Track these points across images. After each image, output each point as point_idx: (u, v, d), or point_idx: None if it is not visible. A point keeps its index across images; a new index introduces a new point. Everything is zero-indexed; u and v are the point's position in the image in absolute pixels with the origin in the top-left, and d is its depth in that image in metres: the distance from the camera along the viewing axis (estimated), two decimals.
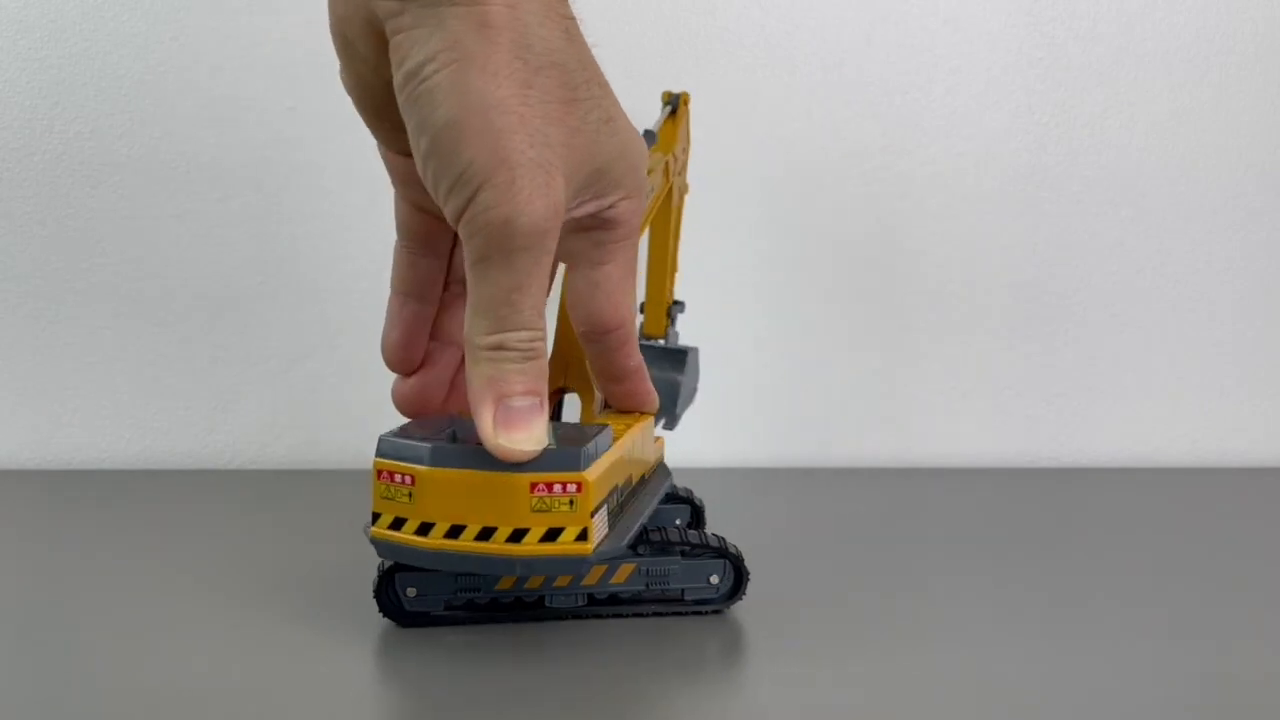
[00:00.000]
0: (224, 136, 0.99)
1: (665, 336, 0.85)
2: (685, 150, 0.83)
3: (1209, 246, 1.07)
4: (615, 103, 0.53)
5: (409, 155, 0.53)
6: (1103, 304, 1.07)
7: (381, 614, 0.62)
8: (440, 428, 0.58)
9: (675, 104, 0.81)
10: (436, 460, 0.54)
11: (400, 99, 0.50)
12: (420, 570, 0.61)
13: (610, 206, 0.55)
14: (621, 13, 1.01)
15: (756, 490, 0.97)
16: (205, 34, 0.98)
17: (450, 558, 0.55)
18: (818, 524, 0.87)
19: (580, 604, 0.64)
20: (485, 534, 0.54)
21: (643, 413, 0.66)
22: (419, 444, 0.54)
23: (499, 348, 0.52)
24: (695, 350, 0.83)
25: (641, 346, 0.71)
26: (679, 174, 0.81)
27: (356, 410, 1.01)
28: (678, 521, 0.77)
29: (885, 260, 1.05)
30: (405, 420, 0.62)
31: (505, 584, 0.62)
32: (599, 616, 0.65)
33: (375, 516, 0.56)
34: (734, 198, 1.03)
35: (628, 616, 0.65)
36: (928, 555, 0.79)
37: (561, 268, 0.60)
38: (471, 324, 0.52)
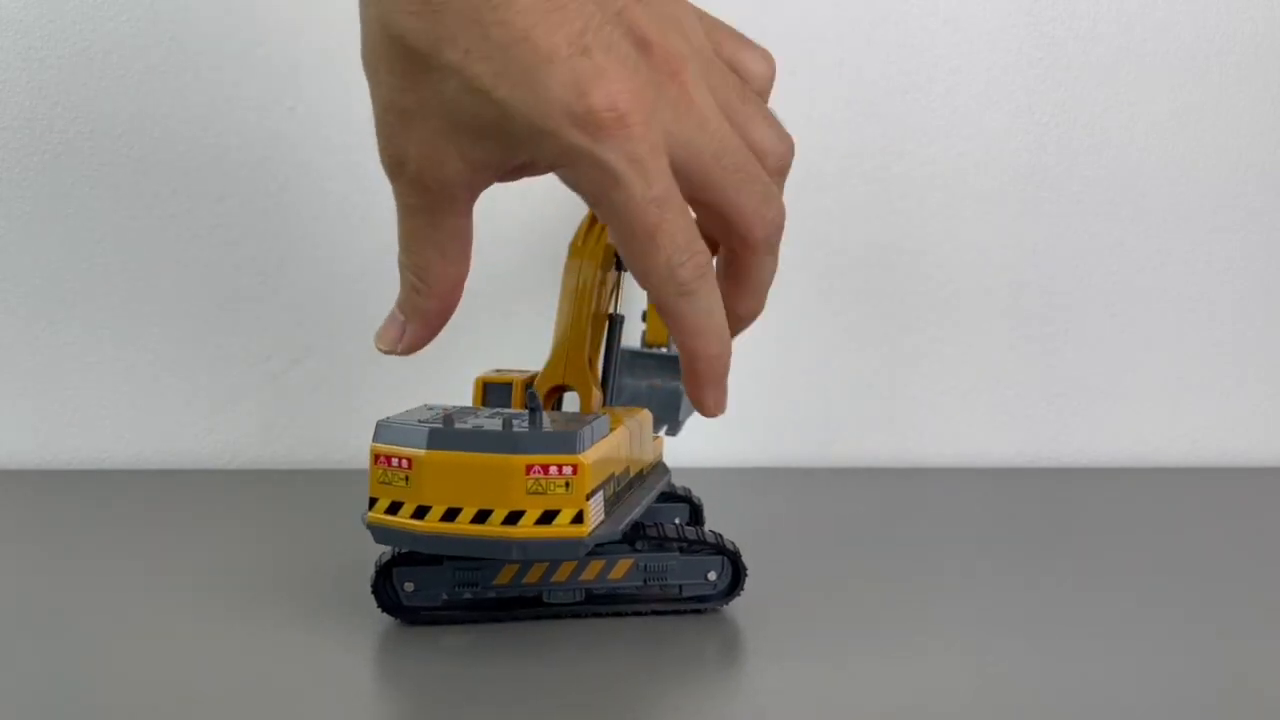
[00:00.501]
0: (224, 136, 0.99)
1: (668, 344, 0.84)
2: None
3: (1209, 246, 1.07)
4: (493, 70, 0.50)
5: None
6: (1103, 304, 1.07)
7: (380, 609, 0.62)
8: (436, 413, 0.59)
9: None
10: (433, 443, 0.55)
11: None
12: (418, 564, 0.62)
13: (529, 165, 0.54)
14: None
15: (756, 490, 0.97)
16: (205, 34, 0.98)
17: (446, 541, 0.55)
18: (817, 523, 0.87)
19: (578, 601, 0.64)
20: (481, 516, 0.55)
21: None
22: (416, 427, 0.55)
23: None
24: None
25: (643, 354, 0.77)
26: None
27: (356, 410, 1.01)
28: (676, 519, 0.77)
29: (885, 260, 1.05)
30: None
31: (504, 579, 0.62)
32: (597, 614, 0.65)
33: (372, 502, 0.56)
34: None
35: (626, 614, 0.65)
36: (928, 555, 0.79)
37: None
38: None
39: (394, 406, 1.01)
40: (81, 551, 0.77)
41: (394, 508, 0.56)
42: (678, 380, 0.78)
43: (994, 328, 1.06)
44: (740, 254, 0.58)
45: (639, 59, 0.50)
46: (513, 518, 0.55)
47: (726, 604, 0.66)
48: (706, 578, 0.65)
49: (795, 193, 1.03)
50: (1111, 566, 0.76)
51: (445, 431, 0.55)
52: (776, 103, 1.02)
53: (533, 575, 0.63)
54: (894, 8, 1.03)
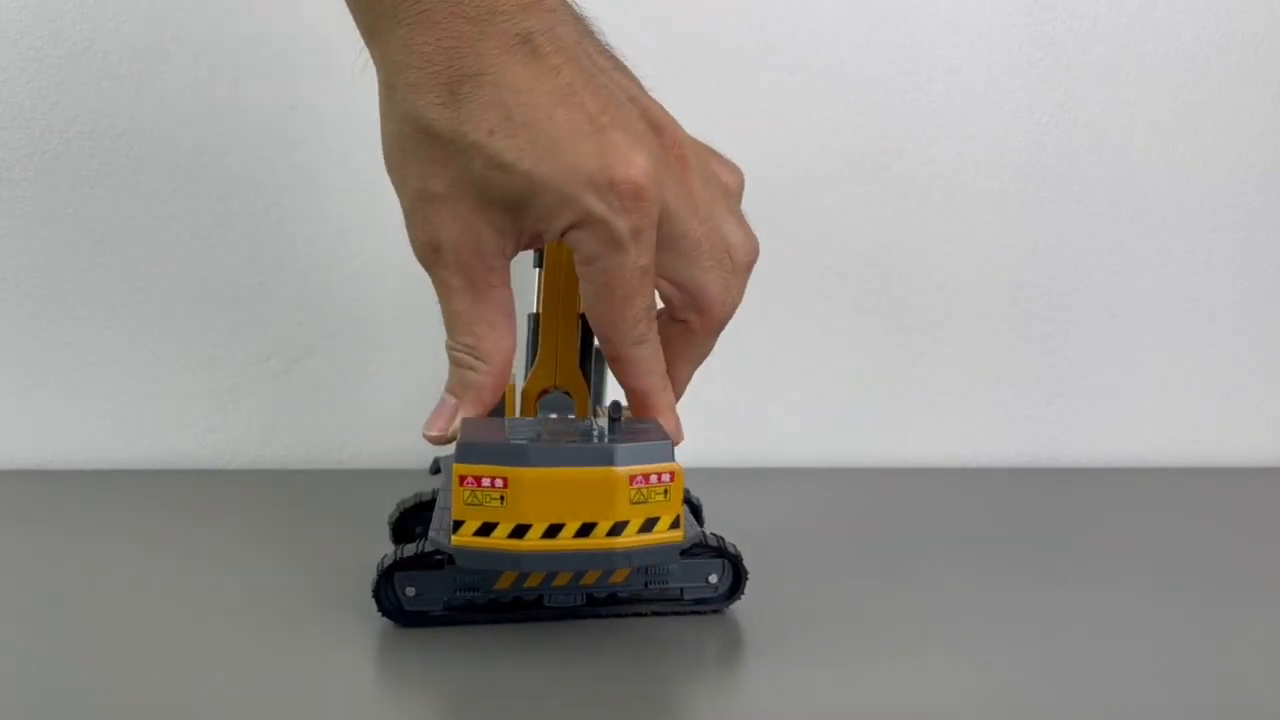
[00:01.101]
0: (224, 136, 0.99)
1: None
2: None
3: (1209, 246, 1.07)
4: (517, 146, 0.55)
5: None
6: (1103, 304, 1.07)
7: (381, 614, 0.62)
8: (499, 428, 0.58)
9: None
10: (533, 460, 0.54)
11: None
12: (420, 569, 0.62)
13: (557, 234, 0.57)
14: (621, 13, 1.00)
15: (756, 490, 0.97)
16: (205, 34, 0.98)
17: (548, 558, 0.55)
18: (817, 524, 0.87)
19: (579, 604, 0.64)
20: (584, 530, 0.55)
21: None
22: (510, 446, 0.54)
23: (449, 348, 0.61)
24: None
25: None
26: None
27: (356, 410, 1.01)
28: None
29: (885, 260, 1.05)
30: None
31: (504, 583, 0.62)
32: (597, 616, 0.65)
33: (457, 525, 0.55)
34: None
35: (625, 616, 0.65)
36: (928, 555, 0.79)
37: None
38: None
39: (394, 407, 1.01)
40: (82, 551, 0.77)
41: (485, 529, 0.55)
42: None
43: (994, 328, 1.06)
44: (694, 328, 0.64)
45: (653, 139, 0.58)
46: (617, 529, 0.55)
47: (727, 606, 0.66)
48: (708, 580, 0.65)
49: (795, 193, 1.03)
50: (1111, 566, 0.76)
51: (543, 449, 0.55)
52: (777, 103, 1.03)
53: (534, 579, 0.63)
54: (894, 8, 1.03)
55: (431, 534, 0.61)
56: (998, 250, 1.05)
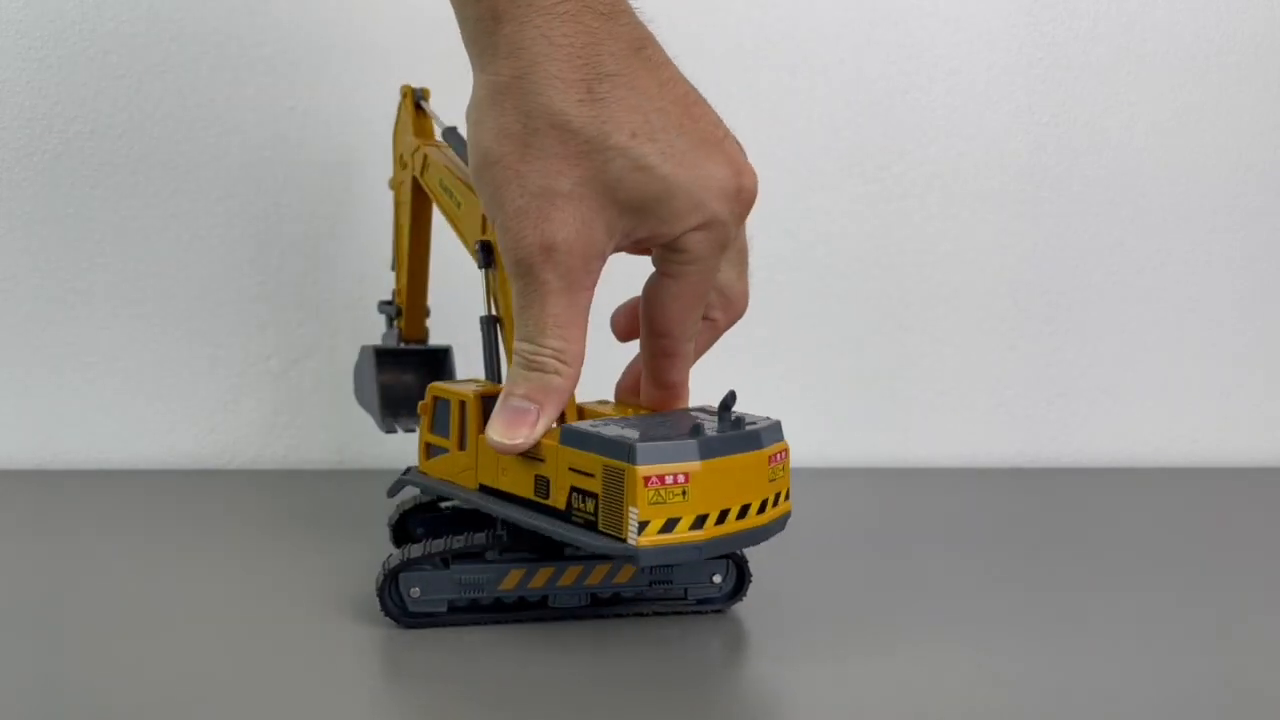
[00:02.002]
0: (224, 136, 0.99)
1: (425, 339, 0.87)
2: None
3: (1209, 246, 1.07)
4: (659, 150, 0.57)
5: None
6: (1103, 304, 1.07)
7: (384, 614, 0.62)
8: (631, 425, 0.59)
9: (418, 99, 0.82)
10: (706, 453, 0.56)
11: None
12: (424, 570, 0.62)
13: (677, 235, 0.59)
14: None
15: None
16: (205, 34, 0.98)
17: (720, 543, 0.57)
18: (818, 524, 0.87)
19: (583, 604, 0.64)
20: (743, 512, 0.57)
21: None
22: (683, 443, 0.56)
23: (515, 352, 0.60)
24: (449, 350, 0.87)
25: (398, 351, 0.86)
26: (422, 171, 0.78)
27: (356, 410, 1.01)
28: None
29: (885, 260, 1.05)
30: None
31: (509, 583, 0.62)
32: (600, 617, 0.65)
33: (642, 526, 0.55)
34: None
35: (627, 616, 0.65)
36: (928, 555, 0.79)
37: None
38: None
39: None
40: (81, 551, 0.77)
41: (669, 525, 0.55)
42: (440, 375, 0.85)
43: (994, 328, 1.06)
44: (720, 326, 0.67)
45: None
46: (764, 506, 0.58)
47: (729, 606, 0.66)
48: (712, 580, 0.65)
49: (796, 192, 1.03)
50: (1111, 566, 0.77)
51: (712, 439, 0.56)
52: (777, 103, 1.03)
53: (538, 580, 0.63)
54: (894, 8, 1.03)
55: None
56: (998, 250, 1.05)
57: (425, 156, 0.77)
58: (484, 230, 0.67)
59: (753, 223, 1.02)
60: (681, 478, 0.55)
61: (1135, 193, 1.06)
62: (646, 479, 0.54)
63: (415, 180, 0.80)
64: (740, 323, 1.05)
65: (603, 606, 0.65)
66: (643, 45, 0.58)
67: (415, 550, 0.62)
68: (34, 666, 0.58)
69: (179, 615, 0.65)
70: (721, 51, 1.02)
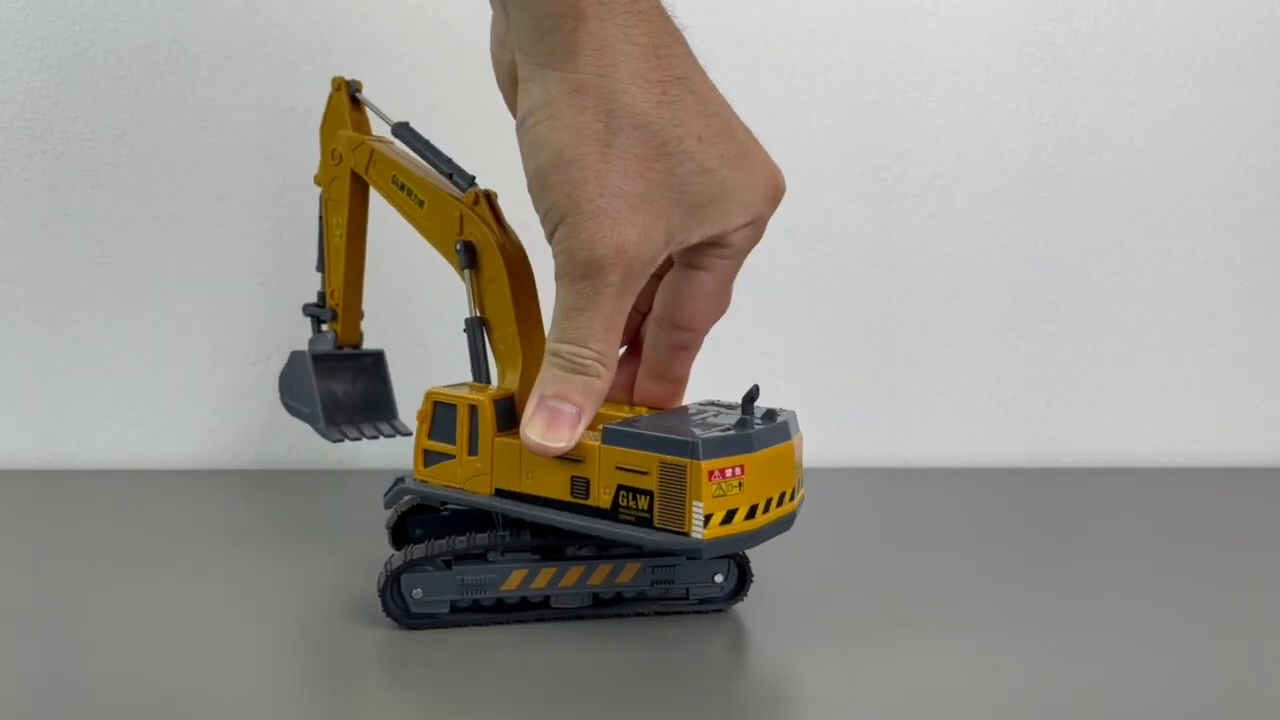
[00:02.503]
0: (224, 136, 0.99)
1: (359, 344, 0.85)
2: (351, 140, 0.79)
3: (1209, 246, 1.07)
4: (719, 154, 0.59)
5: None
6: (1103, 304, 1.07)
7: (386, 615, 0.62)
8: (668, 421, 0.61)
9: (354, 92, 0.80)
10: (759, 445, 0.59)
11: (517, 138, 0.59)
12: (427, 571, 0.62)
13: (726, 233, 0.61)
14: None
15: None
16: (205, 34, 0.98)
17: (767, 530, 0.60)
18: (818, 524, 0.87)
19: (585, 604, 0.64)
20: (781, 500, 0.60)
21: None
22: (740, 436, 0.58)
23: (555, 354, 0.59)
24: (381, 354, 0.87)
25: (336, 356, 0.84)
26: (368, 167, 0.76)
27: None
28: None
29: (885, 260, 1.05)
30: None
31: (511, 584, 0.62)
32: (602, 617, 0.65)
33: (707, 519, 0.56)
34: None
35: (629, 616, 0.65)
36: (928, 555, 0.79)
37: None
38: (550, 331, 0.60)
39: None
40: (81, 551, 0.77)
41: (729, 517, 0.57)
42: (376, 380, 0.87)
43: (994, 328, 1.06)
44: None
45: None
46: (792, 494, 0.61)
47: (731, 606, 0.66)
48: (713, 580, 0.65)
49: (795, 192, 1.03)
50: (1111, 566, 0.77)
51: (761, 432, 0.59)
52: (776, 103, 1.03)
53: (541, 580, 0.63)
54: (894, 8, 1.03)
55: None
56: (998, 250, 1.05)
57: (372, 151, 0.76)
58: (461, 230, 0.67)
59: None
60: (740, 470, 0.57)
61: (1135, 193, 1.06)
62: (710, 473, 0.56)
63: (355, 176, 0.78)
64: (740, 322, 1.05)
65: (605, 606, 0.65)
66: (690, 48, 0.60)
67: (418, 551, 0.62)
68: (34, 666, 0.58)
69: (179, 615, 0.65)
70: (721, 51, 1.01)
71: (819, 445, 1.06)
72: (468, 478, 0.64)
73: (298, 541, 0.79)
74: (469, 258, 0.66)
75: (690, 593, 0.65)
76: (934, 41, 1.04)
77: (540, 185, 0.58)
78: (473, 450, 0.63)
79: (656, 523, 0.57)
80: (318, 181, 0.81)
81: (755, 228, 0.62)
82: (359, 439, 0.84)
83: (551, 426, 0.59)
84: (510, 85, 0.62)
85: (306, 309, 0.85)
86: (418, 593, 0.62)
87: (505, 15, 0.59)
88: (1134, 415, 1.08)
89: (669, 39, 0.58)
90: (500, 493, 0.63)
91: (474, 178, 0.69)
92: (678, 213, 0.58)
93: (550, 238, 0.59)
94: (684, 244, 0.60)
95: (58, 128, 0.97)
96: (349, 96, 0.80)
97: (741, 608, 0.67)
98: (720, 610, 0.66)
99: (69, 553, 0.77)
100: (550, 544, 0.63)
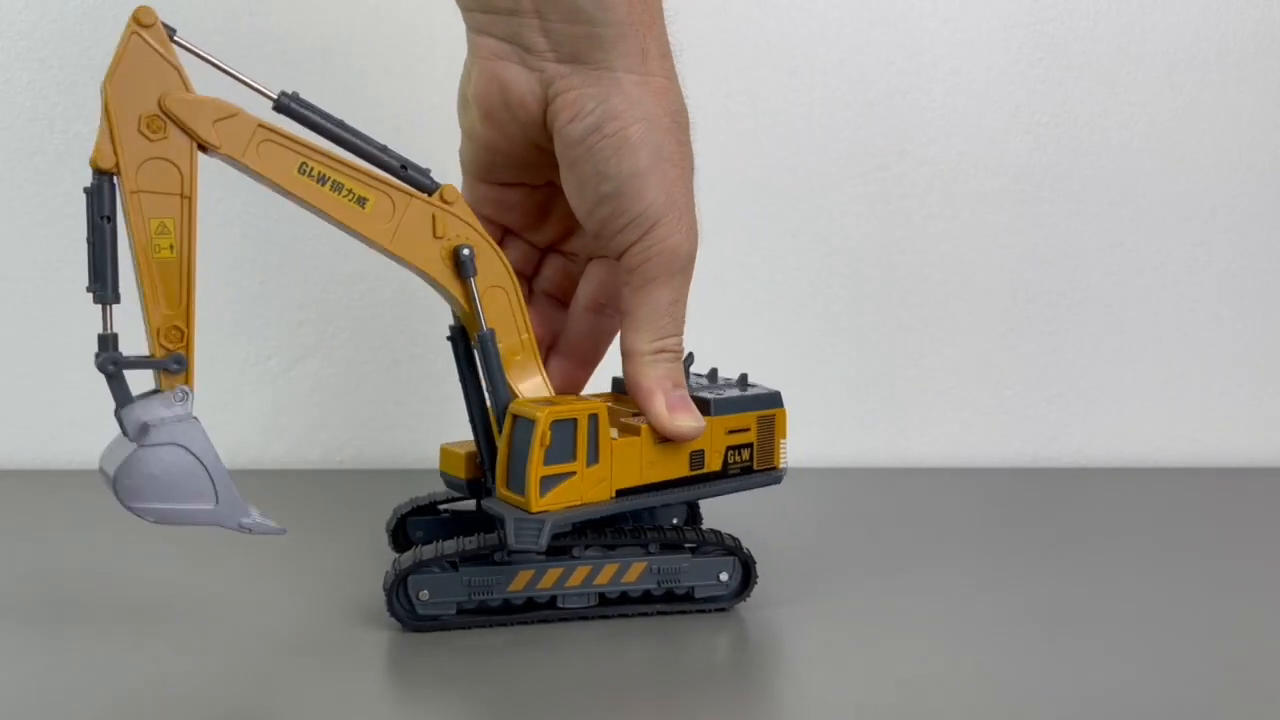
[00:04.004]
0: None
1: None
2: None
3: (1209, 246, 1.07)
4: None
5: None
6: (1103, 304, 1.07)
7: (391, 616, 0.62)
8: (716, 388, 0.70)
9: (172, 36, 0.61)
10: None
11: (576, 150, 0.61)
12: (433, 573, 0.62)
13: None
14: None
15: (757, 490, 0.97)
16: (205, 34, 0.97)
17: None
18: (818, 524, 0.87)
19: (591, 604, 0.64)
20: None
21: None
22: (773, 390, 0.70)
23: (661, 350, 0.63)
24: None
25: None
26: (242, 152, 0.62)
27: (356, 410, 1.01)
28: (674, 520, 0.77)
29: (885, 260, 1.05)
30: None
31: (518, 585, 0.62)
32: (606, 617, 0.65)
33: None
34: (734, 198, 1.03)
35: (632, 616, 0.65)
36: (928, 555, 0.79)
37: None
38: (636, 335, 0.63)
39: (394, 407, 1.01)
40: (81, 551, 0.77)
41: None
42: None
43: (994, 328, 1.06)
44: None
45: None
46: None
47: (734, 605, 0.66)
48: (719, 579, 0.65)
49: (795, 192, 1.03)
50: (1111, 566, 0.77)
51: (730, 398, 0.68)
52: (777, 103, 1.03)
53: (547, 580, 0.63)
54: (894, 8, 1.03)
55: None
56: (998, 250, 1.05)
57: (257, 129, 0.62)
58: (435, 233, 0.62)
59: (752, 222, 1.02)
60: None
61: (1135, 193, 1.06)
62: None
63: (199, 157, 0.60)
64: (740, 322, 1.05)
65: (610, 606, 0.65)
66: None
67: (427, 552, 0.62)
68: (34, 667, 0.58)
69: (180, 617, 0.65)
70: (722, 51, 1.02)
71: (819, 445, 1.07)
72: (590, 488, 0.62)
73: (298, 542, 0.79)
74: (472, 265, 0.62)
75: (695, 592, 0.65)
76: (934, 41, 1.04)
77: (636, 186, 0.60)
78: (593, 459, 0.62)
79: (756, 466, 0.68)
80: (100, 165, 0.59)
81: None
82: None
83: (690, 411, 0.64)
84: (502, 104, 0.63)
85: (113, 363, 0.63)
86: (424, 594, 0.62)
87: (530, 28, 0.60)
88: (1134, 415, 1.08)
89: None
90: (621, 493, 0.63)
91: (429, 170, 0.63)
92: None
93: (637, 242, 0.61)
94: None
95: (58, 128, 0.97)
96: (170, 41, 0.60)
97: (744, 608, 0.67)
98: (724, 609, 0.66)
99: (69, 553, 0.77)
100: (556, 544, 0.63)
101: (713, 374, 0.72)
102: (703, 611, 0.66)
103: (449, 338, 0.66)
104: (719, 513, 0.77)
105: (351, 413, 1.02)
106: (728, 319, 1.03)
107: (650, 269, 0.61)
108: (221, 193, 0.99)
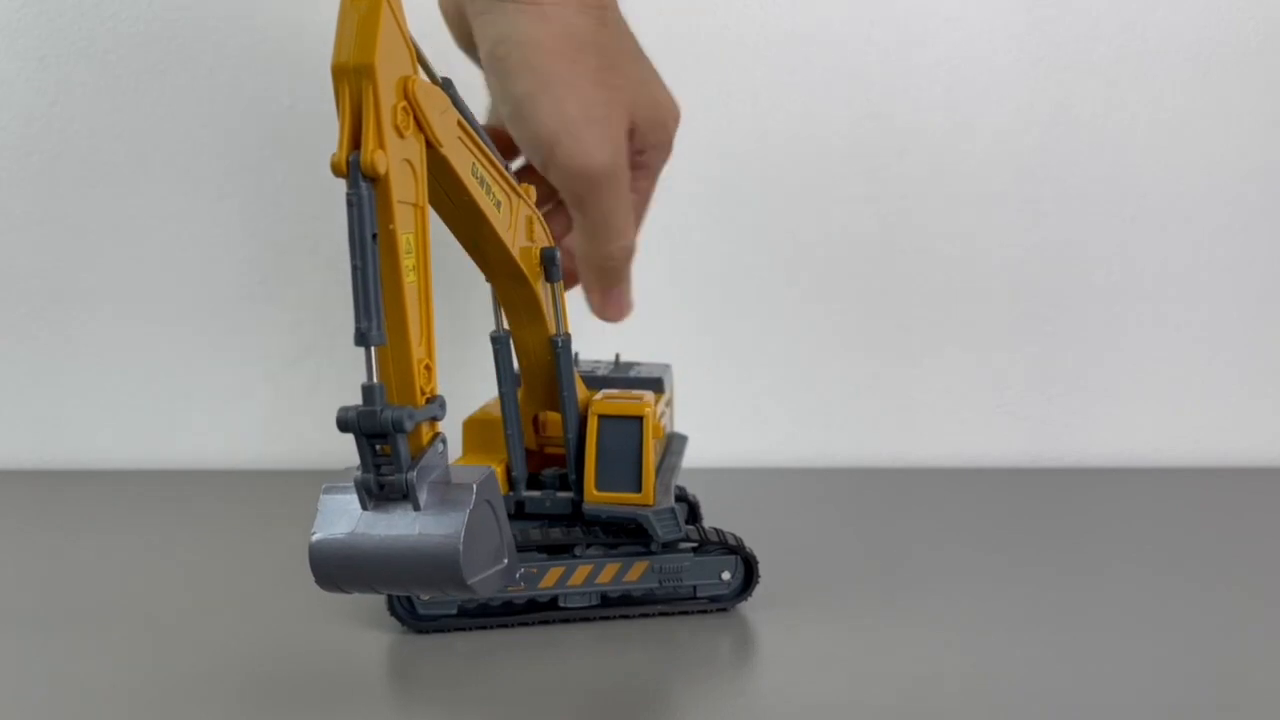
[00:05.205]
0: (224, 136, 0.99)
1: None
2: None
3: (1210, 246, 1.07)
4: (646, 67, 0.67)
5: None
6: (1103, 304, 1.07)
7: (392, 616, 0.62)
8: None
9: None
10: None
11: (485, 72, 0.63)
12: None
13: (640, 153, 0.66)
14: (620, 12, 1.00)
15: (758, 490, 0.97)
16: (205, 34, 0.98)
17: None
18: (819, 524, 0.87)
19: (593, 604, 0.64)
20: None
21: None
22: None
23: (609, 256, 0.66)
24: None
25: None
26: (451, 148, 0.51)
27: None
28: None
29: (886, 260, 1.05)
30: None
31: (519, 586, 0.62)
32: (607, 618, 0.65)
33: None
34: (734, 198, 1.03)
35: (633, 617, 0.65)
36: (930, 555, 0.79)
37: None
38: (581, 243, 0.65)
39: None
40: (82, 551, 0.77)
41: None
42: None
43: (994, 328, 1.06)
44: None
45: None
46: None
47: (736, 604, 0.66)
48: (721, 578, 0.65)
49: (796, 192, 1.03)
50: (1113, 566, 0.77)
51: None
52: (777, 103, 1.03)
53: (549, 580, 0.63)
54: (894, 8, 1.03)
55: None
56: (998, 250, 1.05)
57: (460, 132, 0.52)
58: (530, 235, 0.61)
59: (753, 222, 1.02)
60: None
61: (1135, 193, 1.06)
62: None
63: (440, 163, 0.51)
64: (740, 322, 1.05)
65: (612, 606, 0.65)
66: None
67: None
68: (33, 667, 0.58)
69: (180, 616, 0.65)
70: (722, 51, 1.02)
71: (819, 445, 1.07)
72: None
73: (298, 543, 0.79)
74: (558, 268, 0.63)
75: (697, 591, 0.65)
76: (934, 41, 1.04)
77: (528, 108, 0.61)
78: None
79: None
80: (376, 170, 0.47)
81: (662, 152, 0.68)
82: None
83: (618, 305, 0.68)
84: (457, 19, 0.66)
85: (408, 417, 0.47)
86: (425, 595, 0.61)
87: None
88: (1134, 415, 1.08)
89: None
90: None
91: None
92: (626, 123, 0.64)
93: (548, 159, 0.61)
94: (641, 144, 0.66)
95: (57, 128, 0.97)
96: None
97: (745, 608, 0.67)
98: (725, 609, 0.66)
99: (68, 553, 0.77)
100: (558, 543, 0.63)
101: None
102: (703, 612, 0.66)
103: (494, 339, 0.65)
104: (719, 513, 0.77)
105: None
106: (727, 319, 1.03)
107: (569, 190, 0.63)
108: (221, 193, 0.99)
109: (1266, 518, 0.91)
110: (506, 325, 0.64)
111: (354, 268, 0.46)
